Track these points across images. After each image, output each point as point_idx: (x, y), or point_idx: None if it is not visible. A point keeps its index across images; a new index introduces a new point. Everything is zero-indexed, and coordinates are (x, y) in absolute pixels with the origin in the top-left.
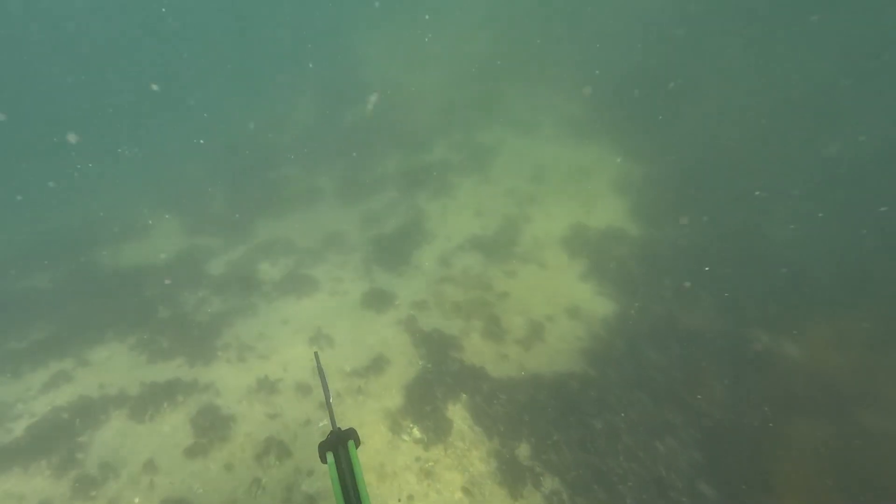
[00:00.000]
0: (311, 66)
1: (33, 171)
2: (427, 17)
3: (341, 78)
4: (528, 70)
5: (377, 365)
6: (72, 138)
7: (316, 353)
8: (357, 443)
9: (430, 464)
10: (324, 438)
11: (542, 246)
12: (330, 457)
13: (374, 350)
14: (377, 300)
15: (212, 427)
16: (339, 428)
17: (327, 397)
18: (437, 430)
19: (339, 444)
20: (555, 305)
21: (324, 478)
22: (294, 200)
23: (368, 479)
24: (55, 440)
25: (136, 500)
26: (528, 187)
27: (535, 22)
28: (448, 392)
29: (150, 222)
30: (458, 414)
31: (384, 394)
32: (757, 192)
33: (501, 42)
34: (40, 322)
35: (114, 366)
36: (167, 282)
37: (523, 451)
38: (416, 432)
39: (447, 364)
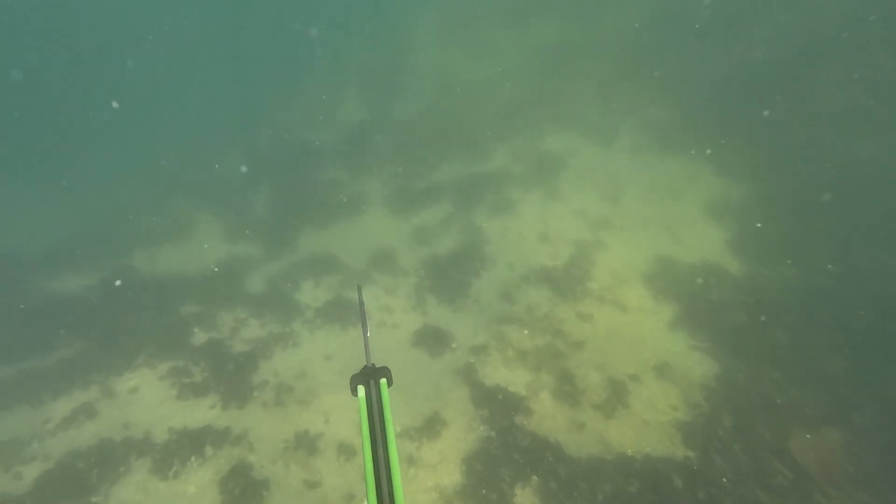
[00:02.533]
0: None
1: (76, 156)
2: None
3: (390, 67)
4: (603, 64)
5: (431, 427)
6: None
7: (359, 287)
8: (390, 382)
9: None
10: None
11: (621, 282)
12: (361, 391)
13: (427, 404)
14: (431, 339)
15: (242, 494)
16: (374, 364)
17: (365, 331)
18: None
19: (372, 380)
20: (640, 361)
21: None
22: (338, 208)
23: None
24: (67, 496)
25: None
26: (602, 207)
27: (614, 7)
28: (516, 472)
29: (190, 222)
30: (527, 501)
31: (440, 467)
32: None
33: (572, 30)
34: (69, 335)
35: (141, 399)
36: (202, 301)
37: None
38: None
39: (514, 434)
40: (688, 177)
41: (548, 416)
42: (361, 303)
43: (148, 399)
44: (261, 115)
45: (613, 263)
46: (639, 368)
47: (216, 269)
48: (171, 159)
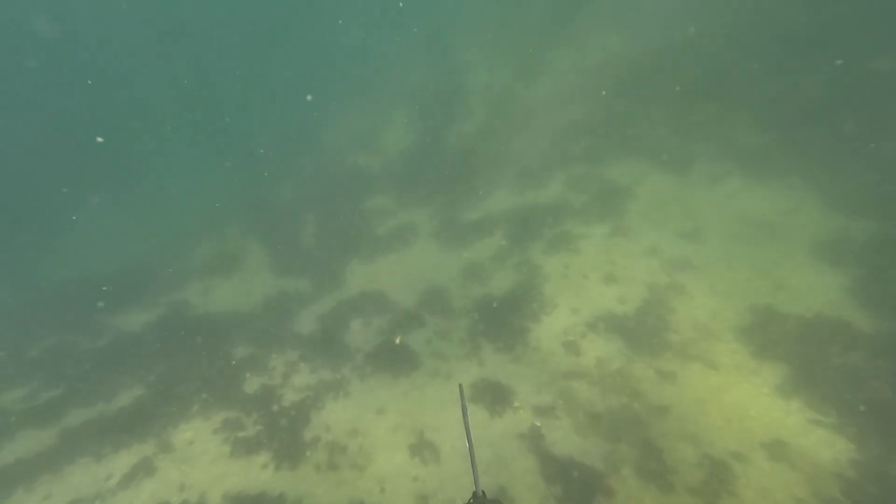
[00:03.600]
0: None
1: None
2: (541, 12)
3: (442, 88)
4: (673, 81)
5: None
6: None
7: (460, 386)
8: None
9: None
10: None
11: (708, 335)
12: None
13: (490, 475)
14: (490, 394)
15: None
16: (484, 493)
17: (472, 451)
18: None
19: None
20: (743, 434)
21: None
22: (386, 240)
23: None
24: None
25: None
26: (679, 246)
27: (688, 18)
28: None
29: (241, 252)
30: None
31: None
32: None
33: (636, 44)
34: (130, 379)
35: (196, 455)
36: (254, 342)
37: None
38: None
39: None
40: (787, 211)
41: (633, 499)
42: (465, 410)
43: (202, 455)
44: (307, 138)
45: (697, 312)
46: (743, 445)
47: (266, 306)
48: (222, 188)
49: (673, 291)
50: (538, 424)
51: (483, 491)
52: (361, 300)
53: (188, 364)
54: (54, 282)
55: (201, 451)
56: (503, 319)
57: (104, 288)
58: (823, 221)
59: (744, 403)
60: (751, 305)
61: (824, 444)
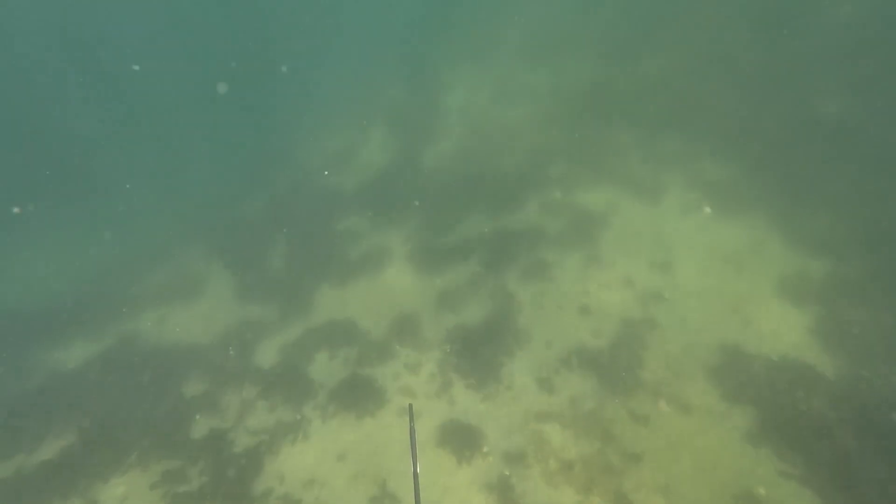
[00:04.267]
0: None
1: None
2: (518, 35)
3: (419, 106)
4: (646, 109)
5: None
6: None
7: (410, 406)
8: None
9: None
10: None
11: (679, 374)
12: None
13: None
14: (458, 438)
15: None
16: None
17: (415, 466)
18: None
19: None
20: (716, 486)
21: None
22: (359, 263)
23: None
24: None
25: None
26: (652, 277)
27: (657, 47)
28: None
29: (203, 277)
30: None
31: None
32: None
33: (611, 70)
34: (62, 424)
35: None
36: (209, 377)
37: None
38: None
39: None
40: (752, 246)
41: None
42: (412, 431)
43: None
44: (280, 154)
45: (670, 348)
46: (716, 497)
47: (226, 335)
48: (186, 203)
49: (646, 326)
50: (507, 473)
51: None
52: (329, 329)
53: (131, 406)
54: None
55: None
56: (476, 352)
57: (42, 318)
58: (785, 259)
59: (715, 450)
60: (720, 343)
61: (795, 498)
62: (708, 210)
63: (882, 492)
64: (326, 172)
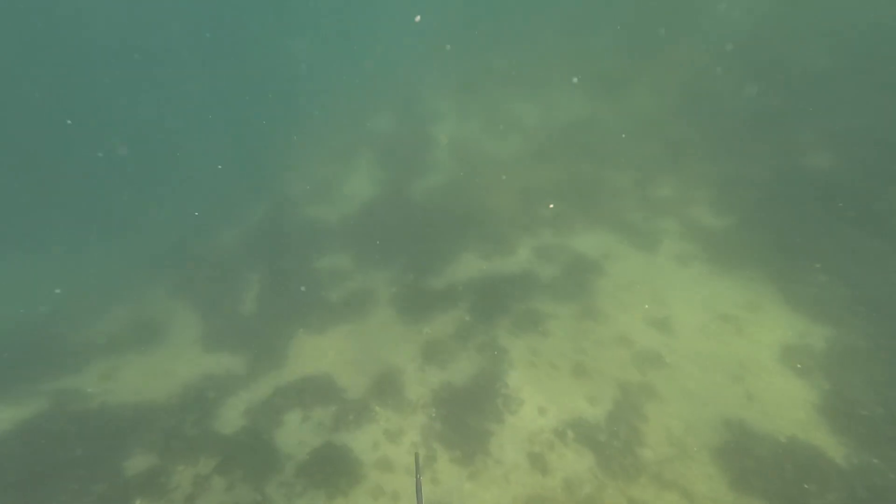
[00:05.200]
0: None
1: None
2: (507, 64)
3: (408, 137)
4: (637, 149)
5: None
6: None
7: (417, 455)
8: None
9: None
10: None
11: (682, 453)
12: None
13: None
14: None
15: None
16: None
17: None
18: None
19: None
20: None
21: None
22: (340, 307)
23: None
24: None
25: None
26: (649, 335)
27: (642, 83)
28: None
29: (166, 319)
30: None
31: None
32: None
33: (600, 106)
34: None
35: None
36: (159, 446)
37: None
38: None
39: None
40: (750, 304)
41: None
42: (419, 483)
43: None
44: (261, 181)
45: (671, 422)
46: None
47: (184, 394)
48: (153, 230)
49: (645, 394)
50: None
51: None
52: (303, 386)
53: (56, 489)
54: None
55: None
56: (463, 418)
57: None
58: (786, 322)
59: None
60: (724, 419)
61: None
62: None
63: None
64: (299, 192)
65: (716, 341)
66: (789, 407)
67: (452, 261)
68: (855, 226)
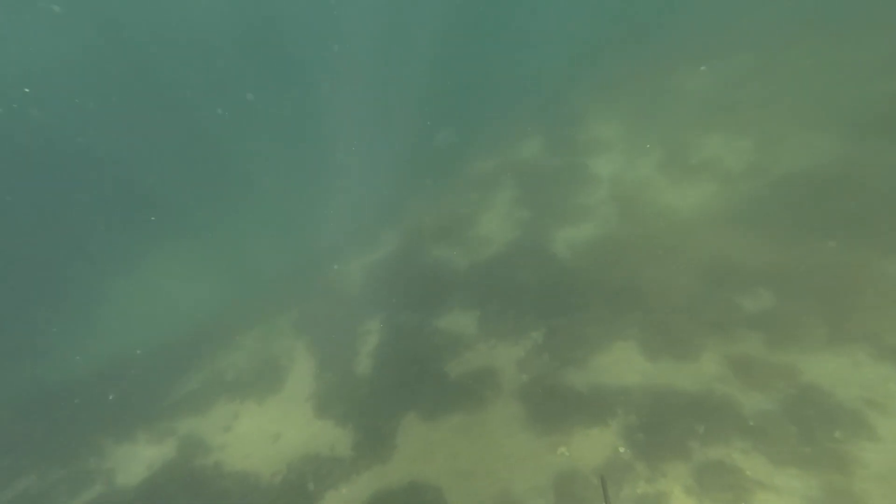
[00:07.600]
0: None
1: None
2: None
3: (557, 168)
4: None
5: None
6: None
7: (602, 478)
8: None
9: None
10: None
11: None
12: None
13: None
14: None
15: None
16: None
17: None
18: None
19: None
20: None
21: None
22: (456, 388)
23: None
24: None
25: None
26: None
27: None
28: None
29: (286, 361)
30: None
31: None
32: None
33: (870, 147)
34: None
35: None
36: None
37: None
38: None
39: None
40: None
41: None
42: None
43: None
44: (393, 209)
45: None
46: None
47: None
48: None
49: None
50: None
51: None
52: (408, 500)
53: None
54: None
55: None
56: None
57: (110, 396)
58: None
59: None
60: None
61: None
62: None
63: None
64: (436, 236)
65: None
66: None
67: (602, 350)
68: None
